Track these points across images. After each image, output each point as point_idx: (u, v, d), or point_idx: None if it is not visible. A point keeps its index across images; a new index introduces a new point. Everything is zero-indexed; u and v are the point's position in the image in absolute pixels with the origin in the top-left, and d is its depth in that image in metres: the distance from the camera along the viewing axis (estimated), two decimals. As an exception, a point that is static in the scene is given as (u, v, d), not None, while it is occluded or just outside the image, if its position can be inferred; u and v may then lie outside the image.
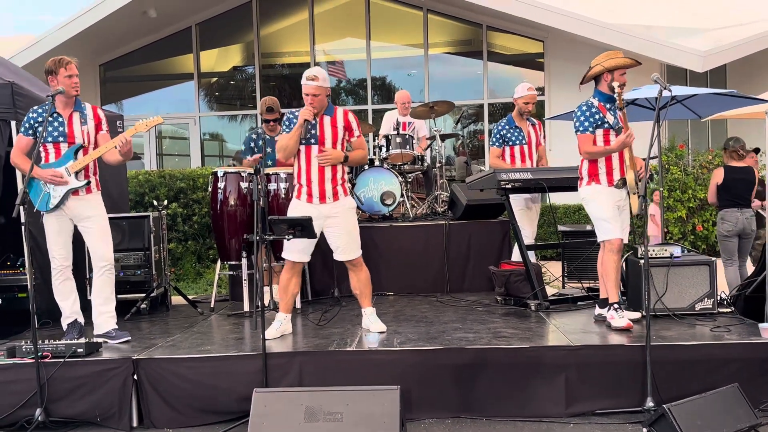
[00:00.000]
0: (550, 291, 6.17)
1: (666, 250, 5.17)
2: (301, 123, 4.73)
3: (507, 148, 6.48)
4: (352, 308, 5.68)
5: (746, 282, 5.74)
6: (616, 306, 4.86)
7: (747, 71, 11.81)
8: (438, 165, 7.85)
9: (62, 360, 4.31)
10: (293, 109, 4.98)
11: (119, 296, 5.20)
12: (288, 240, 4.57)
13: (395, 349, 4.47)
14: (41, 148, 4.74)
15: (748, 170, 6.83)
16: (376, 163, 7.30)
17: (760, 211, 6.93)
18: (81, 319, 4.98)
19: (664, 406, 3.66)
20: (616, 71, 4.88)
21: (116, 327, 4.95)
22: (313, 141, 4.84)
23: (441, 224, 6.78)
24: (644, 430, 3.78)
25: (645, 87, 6.70)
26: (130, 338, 4.90)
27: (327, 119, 4.87)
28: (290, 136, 4.78)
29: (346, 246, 4.94)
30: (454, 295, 6.48)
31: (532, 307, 5.54)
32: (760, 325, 4.51)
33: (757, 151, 7.32)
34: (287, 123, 4.88)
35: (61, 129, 4.79)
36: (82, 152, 4.84)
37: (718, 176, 6.89)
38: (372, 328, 4.97)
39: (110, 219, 5.05)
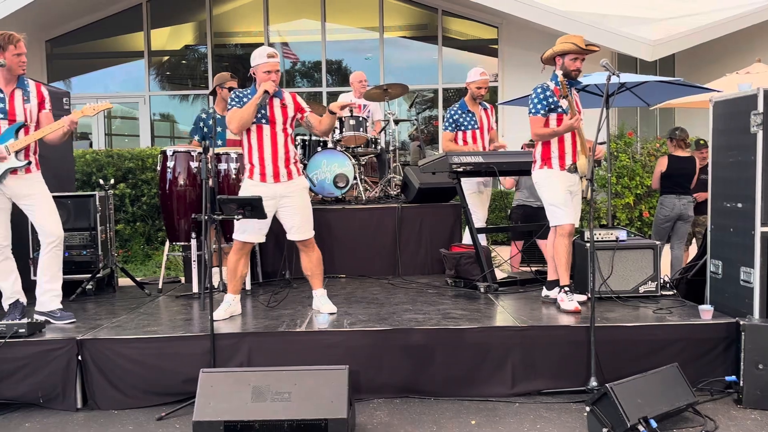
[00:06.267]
0: (499, 274, 6.24)
1: (612, 234, 5.27)
2: (261, 94, 4.68)
3: (459, 133, 6.51)
4: (303, 290, 5.67)
5: (688, 266, 5.91)
6: (566, 289, 4.94)
7: (694, 61, 12.08)
8: (392, 149, 7.85)
9: (3, 340, 4.21)
10: (240, 89, 4.93)
11: (64, 276, 5.07)
12: (237, 220, 4.53)
13: (345, 329, 4.47)
14: (-21, 125, 4.59)
15: (690, 160, 7.11)
16: (329, 145, 7.26)
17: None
18: (23, 299, 4.85)
19: (607, 385, 3.74)
20: (567, 56, 4.92)
21: (61, 307, 4.84)
22: (264, 121, 4.80)
23: (393, 207, 6.79)
24: (587, 408, 3.86)
25: (595, 74, 6.80)
26: (74, 319, 4.80)
27: (277, 101, 4.85)
28: (248, 105, 4.72)
29: (300, 226, 4.92)
30: (406, 277, 6.52)
31: (481, 289, 5.60)
32: (700, 307, 4.64)
33: (702, 144, 7.52)
34: (237, 100, 4.82)
35: (1, 105, 4.63)
36: (24, 131, 4.69)
37: (662, 164, 7.17)
38: (322, 310, 4.97)
39: (55, 198, 4.92)
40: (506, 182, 7.46)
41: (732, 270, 4.67)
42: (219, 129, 6.11)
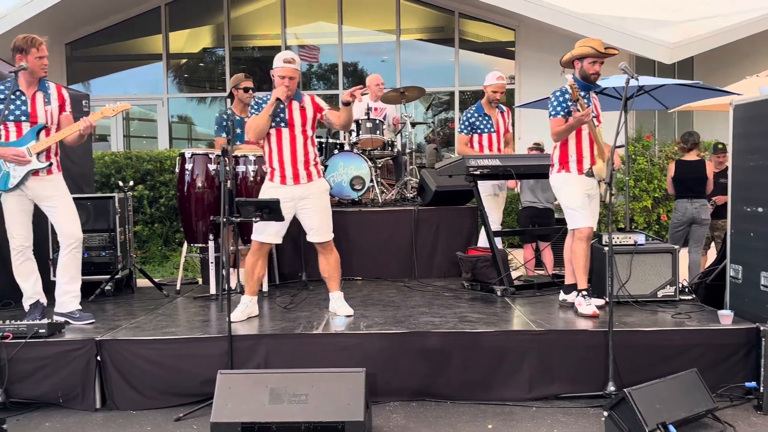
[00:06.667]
0: (515, 276, 6.23)
1: (630, 238, 5.24)
2: (273, 101, 4.71)
3: (475, 136, 6.50)
4: (320, 292, 5.69)
5: (707, 270, 5.86)
6: (584, 293, 4.91)
7: (713, 64, 11.98)
8: (408, 151, 7.86)
9: (24, 341, 4.25)
10: (262, 93, 4.95)
11: (83, 277, 5.12)
12: (255, 222, 4.55)
13: (361, 332, 4.48)
14: (1, 127, 4.64)
15: (699, 163, 7.13)
16: (346, 147, 7.28)
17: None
18: (43, 300, 4.91)
19: (625, 390, 3.71)
20: (585, 59, 4.91)
21: (80, 308, 4.89)
22: (282, 124, 4.83)
23: (410, 210, 6.79)
24: (605, 413, 3.84)
25: (613, 77, 6.76)
26: (93, 320, 4.84)
27: (296, 104, 4.87)
28: (261, 114, 4.76)
29: (319, 228, 4.94)
30: (422, 280, 6.52)
31: (498, 293, 5.59)
32: (719, 312, 4.60)
33: (720, 149, 7.51)
34: (256, 107, 4.85)
35: (23, 108, 4.68)
36: (45, 133, 4.74)
37: (671, 169, 7.28)
38: (339, 312, 4.98)
39: (75, 199, 4.97)
40: (509, 182, 7.45)
41: (752, 275, 4.62)
42: (238, 130, 6.15)
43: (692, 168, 7.08)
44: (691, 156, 7.16)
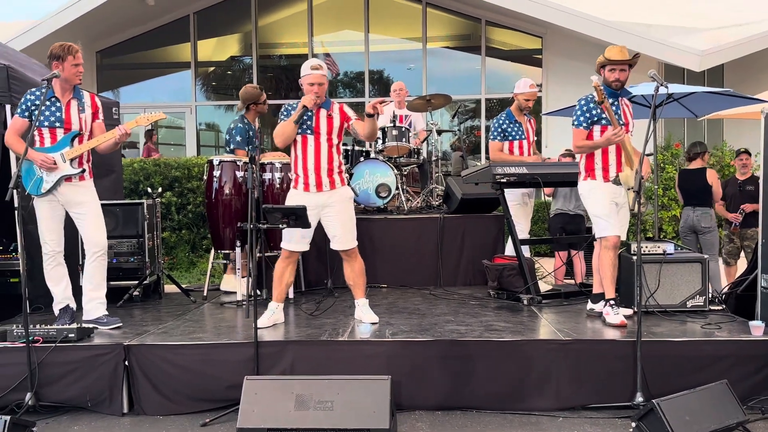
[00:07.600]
0: (543, 286, 6.18)
1: (659, 247, 5.18)
2: (300, 108, 4.75)
3: (506, 143, 6.48)
4: (345, 299, 5.69)
5: (738, 280, 5.78)
6: (612, 302, 4.86)
7: (744, 71, 11.84)
8: (434, 159, 7.86)
9: (53, 345, 4.31)
10: (291, 101, 4.98)
11: (112, 283, 5.19)
12: (282, 228, 4.58)
13: (387, 340, 4.47)
14: (36, 132, 4.72)
15: (699, 172, 7.20)
16: (372, 155, 7.30)
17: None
18: (73, 305, 4.97)
19: (653, 401, 3.67)
20: (605, 67, 4.89)
21: (106, 314, 4.94)
22: (308, 131, 4.85)
23: (435, 218, 6.79)
24: (633, 424, 3.80)
25: (642, 84, 6.71)
26: (120, 324, 4.90)
27: (323, 112, 4.89)
28: (288, 122, 4.80)
29: (342, 236, 4.95)
30: (447, 288, 6.50)
31: (525, 302, 5.56)
32: (750, 323, 4.53)
33: (743, 152, 7.47)
34: (286, 113, 4.88)
35: (58, 114, 4.76)
36: (78, 140, 4.82)
37: (676, 179, 7.49)
38: (364, 319, 4.98)
39: (104, 206, 5.04)
40: (545, 189, 7.52)
41: (784, 285, 4.55)
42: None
43: (693, 176, 7.19)
44: (694, 165, 7.25)
